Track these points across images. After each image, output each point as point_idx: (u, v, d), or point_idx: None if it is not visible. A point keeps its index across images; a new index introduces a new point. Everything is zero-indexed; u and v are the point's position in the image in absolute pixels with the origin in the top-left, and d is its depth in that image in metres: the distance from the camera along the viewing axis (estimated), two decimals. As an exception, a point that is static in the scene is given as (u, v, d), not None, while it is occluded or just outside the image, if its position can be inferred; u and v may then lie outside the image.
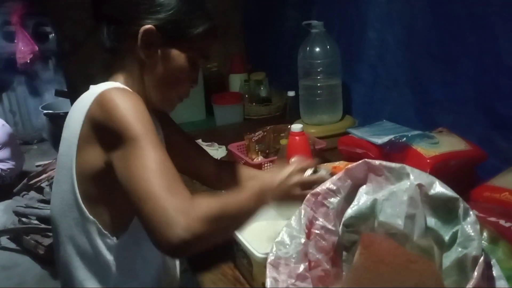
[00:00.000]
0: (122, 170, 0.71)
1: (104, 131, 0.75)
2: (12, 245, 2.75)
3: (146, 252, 0.89)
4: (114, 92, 0.76)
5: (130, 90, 0.81)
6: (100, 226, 0.82)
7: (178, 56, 0.85)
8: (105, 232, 0.83)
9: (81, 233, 0.84)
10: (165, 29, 0.82)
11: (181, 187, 0.69)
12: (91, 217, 0.81)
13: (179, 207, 0.65)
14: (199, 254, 0.68)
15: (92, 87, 0.84)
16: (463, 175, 1.11)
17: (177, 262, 1.02)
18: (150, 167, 0.68)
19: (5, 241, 2.78)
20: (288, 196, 0.80)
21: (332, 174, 0.78)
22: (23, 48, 4.06)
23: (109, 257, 0.84)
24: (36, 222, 2.70)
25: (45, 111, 3.39)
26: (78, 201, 0.81)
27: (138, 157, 0.70)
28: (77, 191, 0.81)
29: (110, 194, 0.81)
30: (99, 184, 0.80)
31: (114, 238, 0.84)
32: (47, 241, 2.55)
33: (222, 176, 1.12)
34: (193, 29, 0.84)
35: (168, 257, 0.97)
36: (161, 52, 0.84)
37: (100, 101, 0.76)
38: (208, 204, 0.69)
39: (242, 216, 0.75)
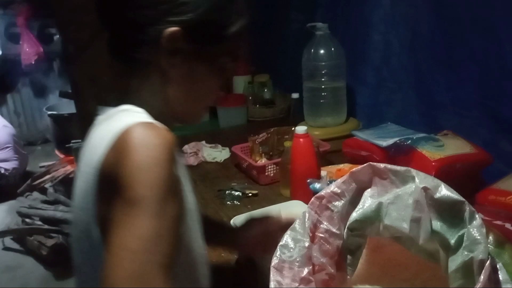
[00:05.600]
0: (108, 235, 0.55)
1: (110, 177, 0.59)
2: (16, 246, 2.76)
3: None
4: (137, 133, 0.59)
5: (160, 127, 0.62)
6: None
7: (209, 63, 0.71)
8: None
9: None
10: (193, 32, 0.67)
11: (157, 281, 0.53)
12: None
13: None
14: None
15: (111, 114, 0.69)
16: (468, 178, 1.10)
17: None
18: (130, 247, 0.53)
19: (8, 241, 2.79)
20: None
21: None
22: (28, 50, 4.07)
23: None
24: (39, 223, 2.70)
25: (49, 112, 3.39)
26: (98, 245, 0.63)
27: (124, 229, 0.54)
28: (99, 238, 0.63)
29: None
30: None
31: None
32: (50, 242, 2.56)
33: None
34: (227, 29, 0.70)
35: None
36: (189, 59, 0.69)
37: (118, 143, 0.60)
38: None
39: None
